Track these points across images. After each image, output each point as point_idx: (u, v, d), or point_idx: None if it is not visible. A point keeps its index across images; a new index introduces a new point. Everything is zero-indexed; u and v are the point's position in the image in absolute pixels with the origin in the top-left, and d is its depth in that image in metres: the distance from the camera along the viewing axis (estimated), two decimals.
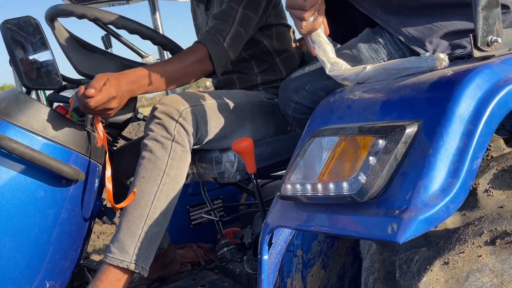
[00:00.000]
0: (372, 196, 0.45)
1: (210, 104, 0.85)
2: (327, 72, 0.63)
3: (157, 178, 0.72)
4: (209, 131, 0.84)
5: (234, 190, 1.35)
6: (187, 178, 0.93)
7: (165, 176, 0.73)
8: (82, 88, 0.63)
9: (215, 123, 0.84)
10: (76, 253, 0.65)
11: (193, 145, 0.81)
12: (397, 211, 0.43)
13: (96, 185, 0.71)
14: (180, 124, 0.76)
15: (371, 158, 0.48)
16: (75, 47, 0.76)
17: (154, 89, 0.80)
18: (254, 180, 0.81)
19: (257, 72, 1.07)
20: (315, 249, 0.66)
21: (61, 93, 0.87)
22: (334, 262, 0.69)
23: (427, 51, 0.64)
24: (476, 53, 0.50)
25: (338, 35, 0.91)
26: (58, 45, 0.76)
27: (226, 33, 0.88)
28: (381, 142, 0.47)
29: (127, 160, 0.91)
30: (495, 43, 0.50)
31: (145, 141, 0.76)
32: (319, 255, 0.66)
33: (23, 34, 0.75)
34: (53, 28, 0.77)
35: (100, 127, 0.64)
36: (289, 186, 0.54)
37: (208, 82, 1.44)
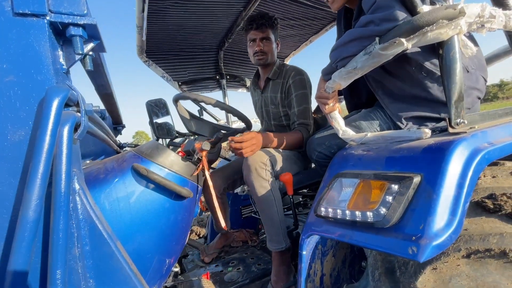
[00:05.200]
0: (391, 224, 0.64)
1: (277, 155, 1.37)
2: (340, 135, 0.94)
3: (270, 198, 1.28)
4: (277, 169, 1.35)
5: None
6: (243, 192, 1.53)
7: (275, 197, 1.30)
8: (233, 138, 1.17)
9: (280, 165, 1.37)
10: (184, 238, 0.96)
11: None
12: (413, 237, 0.60)
13: (198, 198, 1.06)
14: (267, 170, 1.28)
15: (388, 197, 0.69)
16: (187, 116, 1.21)
17: (275, 147, 1.38)
18: (292, 198, 1.34)
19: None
20: (329, 245, 0.91)
21: (174, 140, 1.33)
22: (340, 252, 0.97)
23: (403, 124, 0.93)
24: (451, 130, 0.77)
25: (352, 104, 1.30)
26: (178, 115, 1.22)
27: (309, 126, 1.52)
28: (395, 186, 0.69)
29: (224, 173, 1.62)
30: (462, 124, 0.77)
31: (255, 186, 1.27)
32: (331, 248, 0.93)
33: (156, 108, 1.21)
34: (176, 105, 1.26)
35: (205, 162, 1.01)
36: (322, 209, 0.80)
37: None
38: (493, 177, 0.88)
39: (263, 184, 1.26)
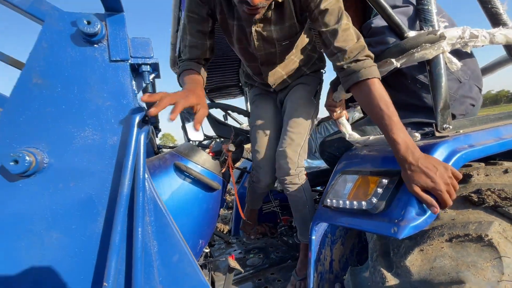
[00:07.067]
0: (380, 210, 0.79)
1: (303, 147, 1.34)
2: (347, 138, 1.09)
3: (305, 201, 1.35)
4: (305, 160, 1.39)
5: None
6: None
7: (307, 198, 1.36)
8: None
9: (307, 153, 1.38)
10: (214, 223, 1.17)
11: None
12: (396, 220, 0.75)
13: (224, 191, 1.26)
14: (300, 174, 1.32)
15: (379, 189, 0.87)
16: (215, 121, 1.44)
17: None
18: None
19: (305, 69, 1.42)
20: (338, 234, 1.06)
21: (202, 142, 1.56)
22: (348, 242, 1.10)
23: None
24: (437, 134, 0.90)
25: None
26: (207, 120, 1.46)
27: (363, 49, 0.87)
28: (385, 180, 0.84)
29: None
30: (447, 129, 0.89)
31: (290, 191, 1.34)
32: (340, 237, 1.06)
33: (187, 114, 1.44)
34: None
35: (230, 161, 1.22)
36: (328, 200, 0.96)
37: None
38: (486, 175, 0.98)
39: (298, 188, 1.34)
